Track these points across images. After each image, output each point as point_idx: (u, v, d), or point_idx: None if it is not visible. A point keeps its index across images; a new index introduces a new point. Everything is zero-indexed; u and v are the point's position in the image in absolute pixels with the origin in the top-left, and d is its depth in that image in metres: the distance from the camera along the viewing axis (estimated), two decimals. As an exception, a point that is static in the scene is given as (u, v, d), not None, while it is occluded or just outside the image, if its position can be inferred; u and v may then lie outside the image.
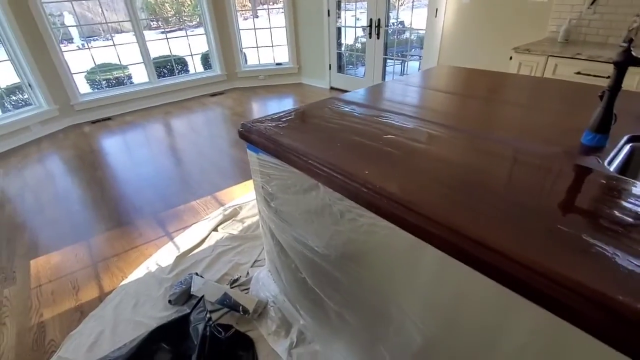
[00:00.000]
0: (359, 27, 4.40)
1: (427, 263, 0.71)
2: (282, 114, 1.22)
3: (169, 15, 7.40)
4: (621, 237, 0.55)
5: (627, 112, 1.07)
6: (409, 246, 0.72)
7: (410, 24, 4.00)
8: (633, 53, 0.80)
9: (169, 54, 4.93)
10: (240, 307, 1.46)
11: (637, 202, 0.64)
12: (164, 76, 4.98)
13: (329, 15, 4.44)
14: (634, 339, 0.43)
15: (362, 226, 0.84)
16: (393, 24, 4.18)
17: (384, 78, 4.29)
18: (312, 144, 0.97)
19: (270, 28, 5.07)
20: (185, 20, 5.81)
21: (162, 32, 5.12)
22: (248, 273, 1.72)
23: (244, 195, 2.46)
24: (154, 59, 4.79)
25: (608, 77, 2.06)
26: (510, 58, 2.43)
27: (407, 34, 4.27)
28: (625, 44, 0.82)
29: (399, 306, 0.84)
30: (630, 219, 0.59)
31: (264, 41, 5.13)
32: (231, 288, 1.59)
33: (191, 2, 6.17)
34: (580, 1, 2.46)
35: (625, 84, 0.87)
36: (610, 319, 0.44)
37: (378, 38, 4.06)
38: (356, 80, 4.61)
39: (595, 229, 0.57)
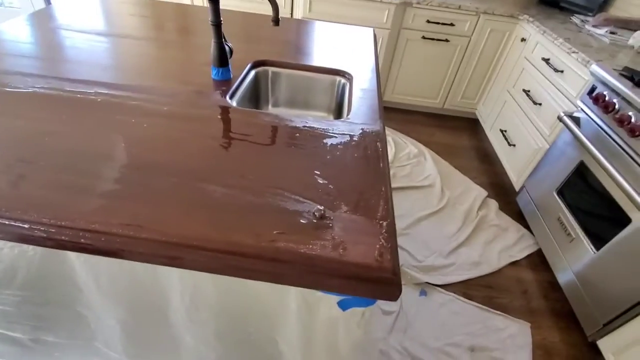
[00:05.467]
0: None
1: (73, 263, 0.63)
2: None
3: None
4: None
5: (258, 37, 1.23)
6: (43, 254, 0.60)
7: None
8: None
9: None
10: None
11: (240, 132, 0.76)
12: None
13: None
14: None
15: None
16: None
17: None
18: None
19: None
20: None
21: None
22: None
23: None
24: None
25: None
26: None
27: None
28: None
29: (82, 306, 0.75)
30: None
31: None
32: None
33: None
34: None
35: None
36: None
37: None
38: None
39: (200, 173, 0.64)
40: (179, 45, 1.15)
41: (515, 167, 2.03)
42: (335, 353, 0.67)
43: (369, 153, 0.73)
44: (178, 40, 1.20)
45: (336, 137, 0.77)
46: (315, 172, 0.66)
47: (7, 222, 0.53)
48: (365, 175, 0.67)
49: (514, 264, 1.71)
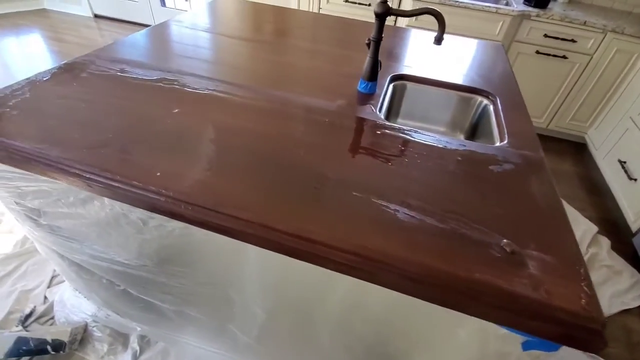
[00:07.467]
0: None
1: (250, 255, 0.69)
2: (9, 91, 0.83)
3: None
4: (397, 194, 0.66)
5: (387, 51, 1.24)
6: (229, 243, 0.67)
7: None
8: (389, 4, 0.88)
9: None
10: (49, 346, 1.15)
11: (402, 149, 0.77)
12: None
13: None
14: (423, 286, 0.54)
15: (174, 231, 0.72)
16: None
17: (163, 1, 3.59)
18: (69, 138, 0.71)
19: None
20: None
21: None
22: (46, 298, 1.33)
23: (3, 194, 1.77)
24: None
25: (369, 4, 2.36)
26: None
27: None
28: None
29: (236, 292, 0.83)
30: (400, 168, 0.71)
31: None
32: (25, 328, 1.21)
33: None
34: None
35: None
36: (400, 274, 0.54)
37: (140, -52, 3.24)
38: (128, 5, 3.70)
39: (379, 190, 0.66)
40: (322, 55, 1.20)
41: (635, 204, 1.81)
42: (485, 386, 0.66)
43: (541, 186, 0.70)
44: (318, 49, 1.25)
45: (500, 164, 0.75)
46: (490, 201, 0.65)
47: (222, 214, 0.60)
48: (543, 211, 0.65)
49: (625, 311, 1.54)
